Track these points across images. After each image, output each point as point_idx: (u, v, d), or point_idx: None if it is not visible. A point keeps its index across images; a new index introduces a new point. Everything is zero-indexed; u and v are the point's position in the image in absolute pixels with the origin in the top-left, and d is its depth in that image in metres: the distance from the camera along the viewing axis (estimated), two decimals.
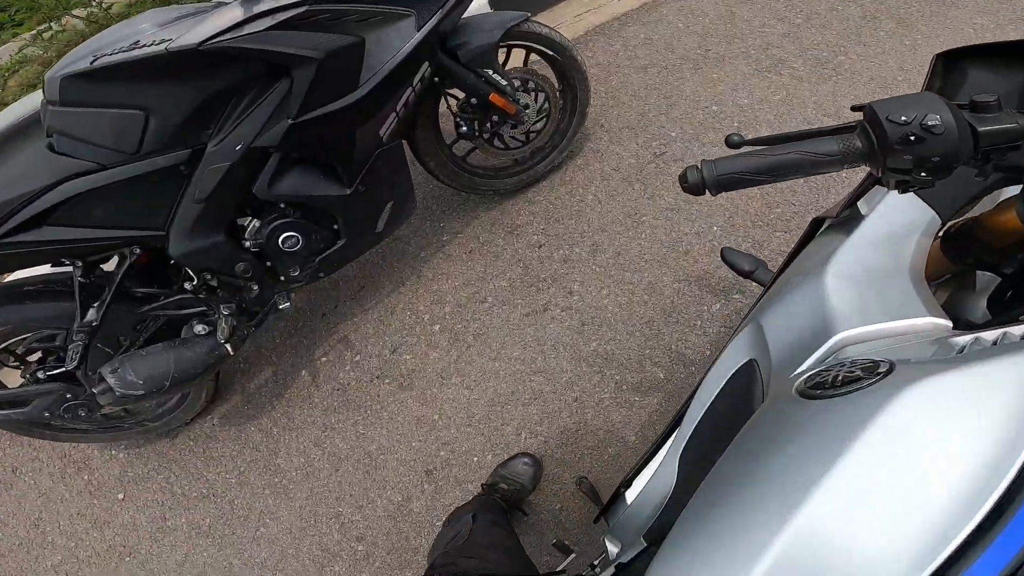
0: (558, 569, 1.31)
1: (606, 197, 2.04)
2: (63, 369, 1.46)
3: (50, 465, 1.90)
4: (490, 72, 1.67)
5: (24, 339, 1.50)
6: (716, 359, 0.78)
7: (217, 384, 1.89)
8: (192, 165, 1.34)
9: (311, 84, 1.32)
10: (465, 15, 1.63)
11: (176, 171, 1.33)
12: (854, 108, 0.62)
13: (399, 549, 1.58)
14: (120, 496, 1.81)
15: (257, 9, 1.25)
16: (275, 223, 1.51)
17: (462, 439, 1.69)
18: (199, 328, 1.56)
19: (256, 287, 1.58)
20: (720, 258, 1.49)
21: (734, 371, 0.73)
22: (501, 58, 1.76)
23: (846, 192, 1.78)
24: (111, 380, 1.44)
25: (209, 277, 1.52)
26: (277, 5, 1.27)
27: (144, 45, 1.21)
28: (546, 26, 1.79)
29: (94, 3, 2.95)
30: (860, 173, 0.72)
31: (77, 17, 3.06)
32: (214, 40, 1.19)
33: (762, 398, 0.63)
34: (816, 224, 0.84)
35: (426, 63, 1.53)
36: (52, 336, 1.50)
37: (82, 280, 1.41)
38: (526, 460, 1.59)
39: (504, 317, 1.86)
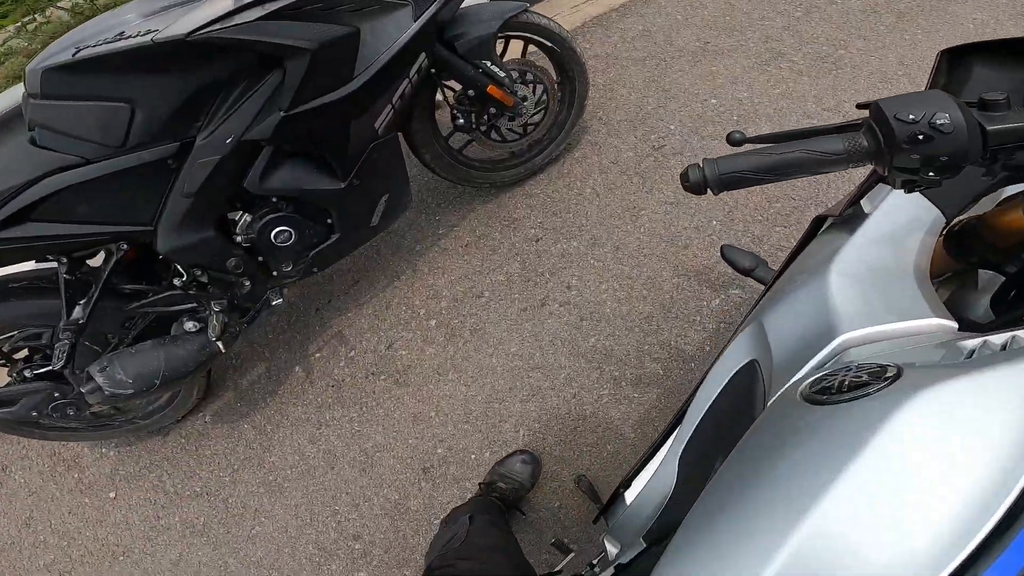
0: (556, 569, 1.29)
1: (604, 191, 2.00)
2: (50, 368, 1.41)
3: (40, 463, 1.85)
4: (488, 63, 1.62)
5: (9, 337, 1.45)
6: (716, 359, 0.76)
7: (209, 381, 1.84)
8: (180, 159, 1.29)
9: (304, 76, 1.27)
10: (462, 5, 1.57)
11: (164, 165, 1.28)
12: (859, 106, 0.61)
13: (397, 547, 1.55)
14: (112, 495, 1.76)
15: None
16: (267, 217, 1.46)
17: (459, 436, 1.66)
18: (189, 325, 1.51)
19: (248, 283, 1.53)
20: (720, 255, 1.46)
21: (735, 371, 0.71)
22: (499, 49, 1.71)
23: (847, 187, 1.76)
24: (100, 379, 1.39)
25: (199, 273, 1.47)
26: None
27: (129, 36, 1.16)
28: (544, 16, 1.73)
29: None
30: (863, 169, 0.68)
31: (62, 8, 2.99)
32: (202, 31, 1.14)
33: (764, 399, 0.61)
34: (818, 222, 0.82)
35: (423, 54, 1.47)
36: (38, 334, 1.45)
37: (68, 277, 1.36)
38: (524, 457, 1.56)
39: (501, 312, 1.82)
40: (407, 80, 1.47)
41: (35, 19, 3.04)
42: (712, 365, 0.77)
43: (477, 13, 1.59)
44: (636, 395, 1.62)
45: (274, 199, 1.46)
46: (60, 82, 1.16)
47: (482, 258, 1.94)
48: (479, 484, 1.54)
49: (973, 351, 0.46)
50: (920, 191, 0.56)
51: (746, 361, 0.70)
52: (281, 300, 1.59)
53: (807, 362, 0.58)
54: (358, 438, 1.71)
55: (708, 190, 0.56)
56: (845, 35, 2.27)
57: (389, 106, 1.47)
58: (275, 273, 1.56)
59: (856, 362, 0.50)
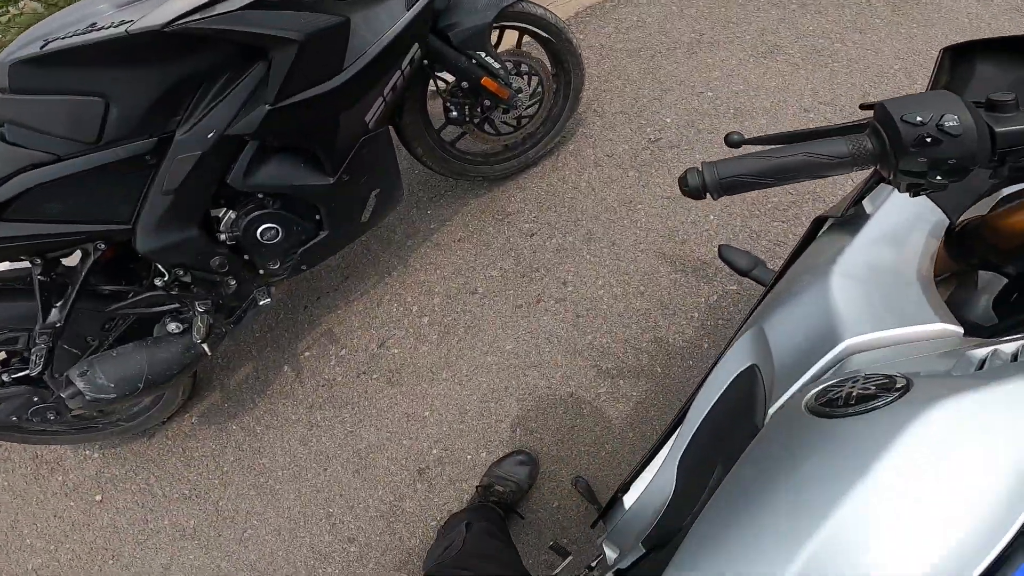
0: (555, 572, 1.26)
1: (600, 184, 1.94)
2: (27, 373, 1.34)
3: (23, 466, 1.78)
4: (482, 54, 1.55)
5: None
6: (716, 363, 0.74)
7: (195, 381, 1.77)
8: (159, 154, 1.21)
9: (291, 68, 1.19)
10: None
11: (141, 161, 1.20)
12: (863, 106, 0.59)
13: (393, 550, 1.51)
14: (98, 497, 1.70)
15: None
16: (252, 214, 1.39)
17: (454, 436, 1.62)
18: (173, 326, 1.44)
19: (233, 282, 1.46)
20: (717, 255, 1.42)
21: (735, 376, 0.69)
22: (493, 39, 1.63)
23: (847, 182, 1.71)
24: (80, 384, 1.32)
25: (182, 273, 1.40)
26: None
27: (101, 27, 1.07)
28: (540, 6, 1.66)
29: None
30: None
31: (36, 0, 2.85)
32: (181, 21, 1.06)
33: (765, 405, 0.59)
34: (818, 223, 0.80)
35: (416, 45, 1.40)
36: (14, 338, 1.37)
37: (42, 279, 1.28)
38: (521, 458, 1.53)
39: (496, 309, 1.77)
40: (399, 72, 1.39)
41: (8, 11, 2.90)
42: (711, 369, 0.74)
43: (472, 2, 1.52)
44: (634, 393, 1.59)
45: (260, 195, 1.39)
46: (29, 76, 1.08)
47: (476, 253, 1.88)
48: (476, 487, 1.50)
49: (983, 361, 0.44)
50: (925, 194, 0.54)
51: (746, 365, 0.68)
52: (269, 300, 1.53)
53: (809, 367, 0.56)
54: (351, 439, 1.66)
55: (707, 194, 0.54)
56: (841, 28, 2.22)
57: (380, 99, 1.40)
58: (262, 272, 1.49)
59: (863, 372, 0.48)
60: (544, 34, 1.70)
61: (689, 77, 2.14)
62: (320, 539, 1.55)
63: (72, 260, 1.35)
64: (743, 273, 1.35)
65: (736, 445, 0.59)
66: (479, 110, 1.72)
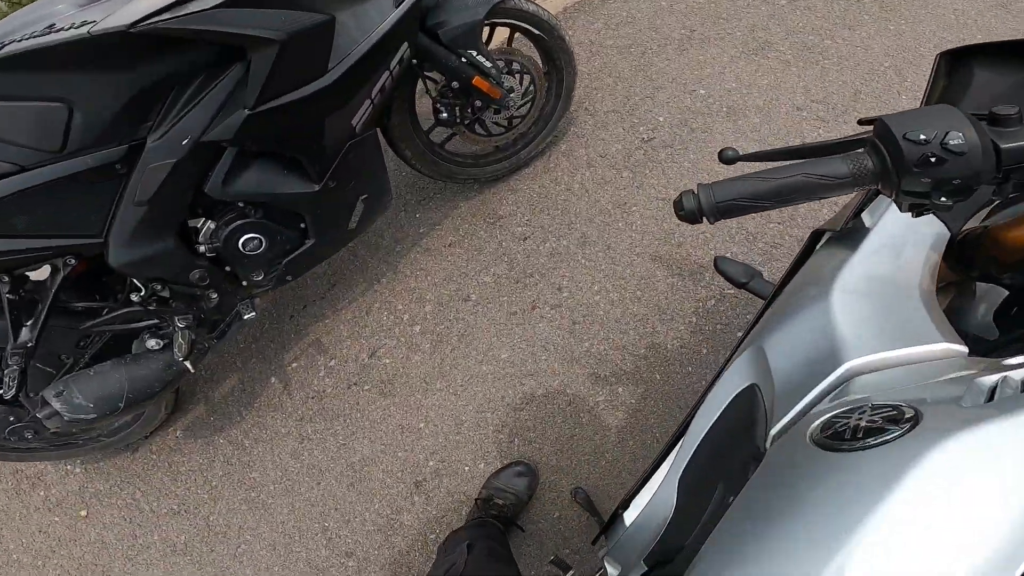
0: None
1: (593, 186, 1.87)
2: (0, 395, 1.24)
3: (3, 481, 1.68)
4: (474, 53, 1.46)
5: None
6: (715, 380, 0.72)
7: (178, 395, 1.67)
8: (130, 163, 1.11)
9: (272, 69, 1.09)
10: None
11: (111, 170, 1.10)
12: (861, 121, 0.58)
13: (393, 564, 1.44)
14: (83, 513, 1.61)
15: None
16: (233, 224, 1.28)
17: (451, 448, 1.54)
18: (152, 343, 1.34)
19: (215, 296, 1.36)
20: (713, 267, 1.36)
21: (734, 395, 0.67)
22: (483, 37, 1.54)
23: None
24: (56, 404, 1.23)
25: (159, 287, 1.29)
26: None
27: (60, 29, 0.96)
28: (532, 2, 1.57)
29: None
30: None
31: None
32: (149, 21, 0.95)
33: (766, 426, 0.57)
34: (816, 236, 0.78)
35: (405, 43, 1.30)
36: None
37: (10, 297, 1.17)
38: (520, 469, 1.46)
39: (490, 316, 1.69)
40: (388, 72, 1.29)
41: None
42: (710, 385, 0.72)
43: None
44: (633, 401, 1.53)
45: (240, 204, 1.28)
46: None
47: (467, 259, 1.80)
48: (475, 500, 1.43)
49: (993, 389, 0.42)
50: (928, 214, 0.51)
51: (746, 385, 0.66)
52: (253, 314, 1.43)
53: (811, 389, 0.54)
54: (344, 451, 1.58)
55: (704, 219, 0.51)
56: (830, 24, 2.16)
57: (368, 101, 1.30)
58: (245, 283, 1.39)
59: (869, 401, 0.46)
60: (536, 31, 1.61)
61: (681, 74, 2.07)
62: (317, 554, 1.48)
63: (41, 274, 1.24)
64: (740, 285, 1.31)
65: (737, 465, 0.59)
66: (470, 111, 1.62)
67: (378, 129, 1.46)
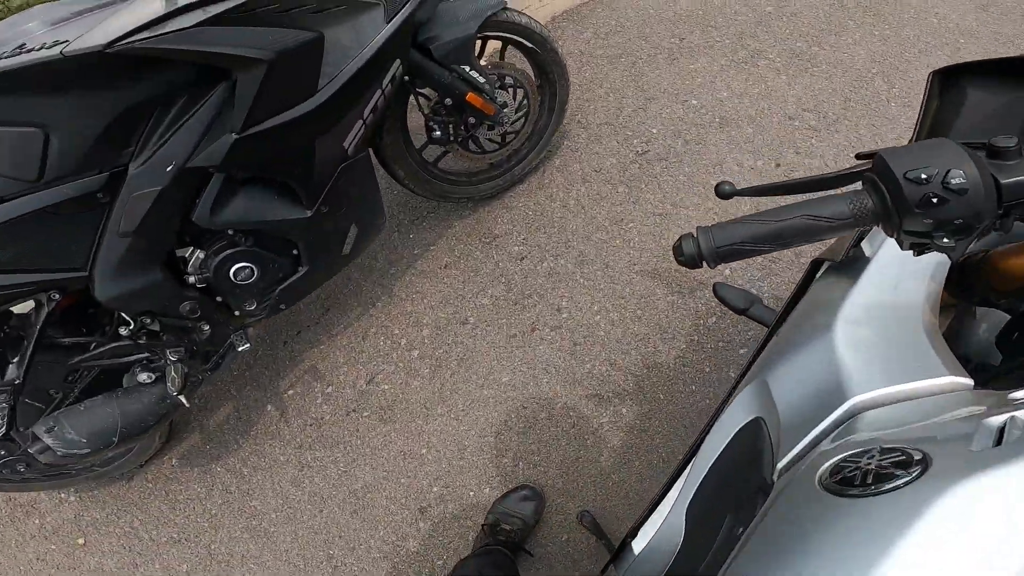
0: None
1: (589, 202, 1.82)
2: None
3: None
4: (466, 68, 1.41)
5: None
6: (720, 411, 0.72)
7: (171, 425, 1.60)
8: (112, 191, 1.04)
9: (259, 90, 1.03)
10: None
11: (93, 200, 1.03)
12: (859, 156, 0.57)
13: None
14: (81, 541, 1.54)
15: (183, 0, 0.94)
16: (223, 253, 1.22)
17: (454, 473, 1.48)
18: (143, 376, 1.27)
19: (207, 327, 1.29)
20: (713, 294, 1.33)
21: (740, 428, 0.67)
22: (475, 51, 1.49)
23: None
24: (48, 440, 1.17)
25: (149, 320, 1.22)
26: None
27: (31, 49, 0.89)
28: (524, 15, 1.53)
29: None
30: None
31: None
32: (126, 41, 0.89)
33: (772, 461, 0.57)
34: (815, 265, 0.77)
35: (397, 60, 1.25)
36: None
37: None
38: (525, 493, 1.41)
39: (489, 339, 1.64)
40: (380, 91, 1.24)
41: None
42: (714, 417, 0.72)
43: (453, 12, 1.37)
44: (637, 421, 1.48)
45: (230, 232, 1.22)
46: None
47: (464, 280, 1.74)
48: (481, 525, 1.37)
49: (1002, 430, 0.42)
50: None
51: (751, 418, 0.65)
52: (248, 345, 1.36)
53: (817, 424, 0.54)
54: (345, 479, 1.51)
55: (704, 263, 0.51)
56: (817, 31, 2.15)
57: (360, 121, 1.24)
58: (237, 313, 1.32)
59: (879, 444, 0.46)
60: (529, 44, 1.56)
61: (672, 84, 2.04)
62: None
63: (26, 308, 1.17)
64: (740, 312, 1.27)
65: (745, 497, 0.59)
66: (463, 128, 1.57)
67: (370, 149, 1.41)
